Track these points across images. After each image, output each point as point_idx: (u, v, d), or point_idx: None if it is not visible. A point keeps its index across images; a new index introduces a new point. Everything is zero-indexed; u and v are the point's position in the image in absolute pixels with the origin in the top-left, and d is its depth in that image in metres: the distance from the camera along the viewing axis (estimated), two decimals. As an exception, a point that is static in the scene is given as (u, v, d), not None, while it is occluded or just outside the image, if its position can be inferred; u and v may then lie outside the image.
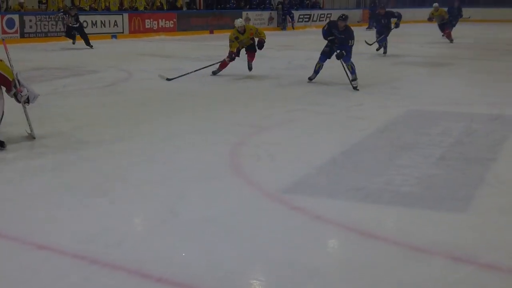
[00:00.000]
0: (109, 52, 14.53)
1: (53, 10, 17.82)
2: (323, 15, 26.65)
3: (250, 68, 9.80)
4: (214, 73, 9.73)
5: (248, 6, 24.55)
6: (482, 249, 3.16)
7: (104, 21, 18.44)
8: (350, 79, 8.63)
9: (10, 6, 17.67)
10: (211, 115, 6.77)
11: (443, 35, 17.25)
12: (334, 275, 2.93)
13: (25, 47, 14.83)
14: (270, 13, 24.60)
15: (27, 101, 5.29)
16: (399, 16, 13.60)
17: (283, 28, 24.36)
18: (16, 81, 5.14)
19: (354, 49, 8.84)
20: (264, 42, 9.54)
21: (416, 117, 6.73)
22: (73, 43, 15.16)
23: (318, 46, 9.74)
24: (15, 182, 4.28)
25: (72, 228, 3.42)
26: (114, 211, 3.72)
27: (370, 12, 25.34)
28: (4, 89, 5.13)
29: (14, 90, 5.15)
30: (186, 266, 2.96)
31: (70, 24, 15.01)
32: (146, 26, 19.69)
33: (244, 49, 9.67)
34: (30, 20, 16.58)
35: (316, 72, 9.12)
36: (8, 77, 5.07)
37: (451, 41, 16.94)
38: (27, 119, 5.37)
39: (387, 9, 14.05)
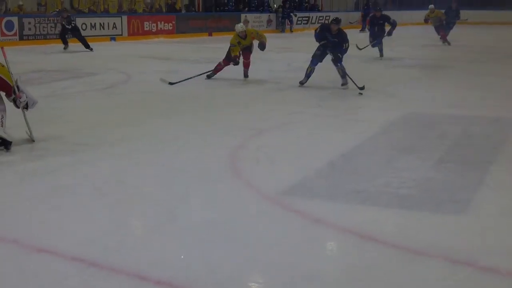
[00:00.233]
0: (108, 54, 14.52)
1: (52, 12, 17.83)
2: (321, 18, 26.67)
3: (246, 76, 9.72)
4: (209, 76, 9.68)
5: (246, 9, 24.58)
6: (481, 251, 3.17)
7: (103, 23, 18.45)
8: (341, 82, 8.63)
9: (9, 9, 17.68)
10: (210, 117, 6.77)
11: (440, 39, 17.21)
12: (333, 278, 2.94)
13: (24, 49, 14.83)
14: (269, 15, 24.63)
15: (26, 106, 5.32)
16: (393, 24, 13.29)
17: (282, 30, 24.38)
18: (15, 87, 5.18)
19: (348, 52, 8.84)
20: (265, 44, 9.53)
21: (414, 120, 6.74)
22: (64, 48, 14.87)
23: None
24: (15, 185, 4.28)
25: (71, 231, 3.42)
26: (113, 214, 3.71)
27: (364, 14, 25.30)
28: (3, 93, 5.17)
29: (13, 96, 5.20)
30: (185, 269, 2.96)
31: (64, 23, 14.80)
32: (145, 29, 19.70)
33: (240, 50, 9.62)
34: (29, 23, 16.58)
35: (308, 76, 8.98)
36: (9, 82, 5.13)
37: (446, 43, 16.87)
38: (27, 123, 5.38)
39: (383, 13, 13.85)
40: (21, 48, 15.06)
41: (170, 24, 20.55)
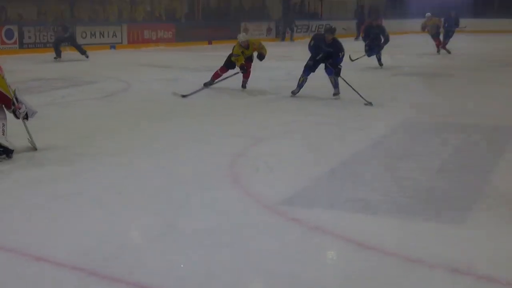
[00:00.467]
0: (108, 62, 14.56)
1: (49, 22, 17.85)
2: (321, 26, 26.71)
3: (244, 87, 9.68)
4: (206, 85, 9.65)
5: (246, 17, 24.65)
6: (480, 261, 3.16)
7: (103, 31, 18.50)
8: (333, 92, 8.59)
9: (9, 17, 17.72)
10: (209, 126, 6.77)
11: (437, 47, 17.12)
12: (333, 287, 2.93)
13: (24, 57, 14.87)
14: (268, 24, 24.70)
15: (26, 117, 5.35)
16: (386, 40, 13.03)
17: (282, 39, 24.44)
18: (14, 99, 5.21)
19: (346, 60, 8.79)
20: (265, 55, 9.52)
21: (414, 128, 6.74)
22: (55, 58, 14.50)
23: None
24: (14, 194, 4.28)
25: (71, 240, 3.41)
26: (113, 223, 3.71)
27: (357, 22, 25.30)
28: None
29: (13, 107, 5.24)
30: (184, 278, 2.95)
31: (59, 30, 14.57)
32: (145, 37, 19.76)
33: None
34: (29, 31, 16.63)
35: (300, 86, 8.87)
36: (7, 95, 5.18)
37: (445, 51, 16.84)
38: (28, 132, 5.39)
39: (379, 23, 13.64)
40: (21, 56, 15.10)
41: (170, 32, 20.62)
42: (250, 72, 9.66)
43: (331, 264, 3.33)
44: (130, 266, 3.07)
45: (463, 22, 18.39)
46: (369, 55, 13.27)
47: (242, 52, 9.37)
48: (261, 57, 9.53)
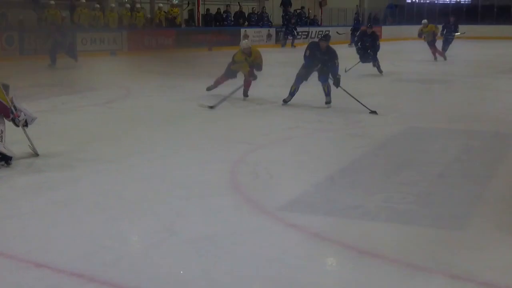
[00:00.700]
0: (108, 69, 14.57)
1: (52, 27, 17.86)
2: (321, 32, 26.75)
3: (246, 95, 9.64)
4: (209, 89, 9.67)
5: (246, 23, 24.68)
6: (480, 267, 3.16)
7: (103, 38, 18.51)
8: (325, 100, 8.56)
9: (10, 23, 17.74)
10: (209, 132, 6.78)
11: (434, 54, 17.06)
12: (333, 294, 2.93)
13: (24, 64, 14.88)
14: (268, 30, 24.73)
15: (26, 124, 5.36)
16: (377, 47, 12.87)
17: (283, 45, 24.46)
18: (12, 108, 5.22)
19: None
20: (261, 66, 9.51)
21: (414, 135, 6.75)
22: (49, 65, 14.24)
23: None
24: (13, 200, 4.28)
25: (70, 246, 3.41)
26: (112, 229, 3.71)
27: (352, 29, 25.29)
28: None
29: (12, 116, 5.25)
30: (184, 284, 2.95)
31: (56, 36, 14.44)
32: (145, 43, 19.77)
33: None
34: (29, 37, 16.64)
35: (292, 94, 8.81)
36: (5, 104, 5.20)
37: (443, 58, 16.77)
38: (28, 139, 5.40)
39: (373, 30, 13.50)
40: (22, 62, 15.11)
41: (170, 38, 20.64)
42: (250, 81, 9.63)
43: (331, 270, 3.33)
44: (129, 271, 3.07)
45: (462, 28, 18.42)
46: (363, 62, 13.16)
47: (245, 59, 9.36)
48: (258, 67, 9.49)
